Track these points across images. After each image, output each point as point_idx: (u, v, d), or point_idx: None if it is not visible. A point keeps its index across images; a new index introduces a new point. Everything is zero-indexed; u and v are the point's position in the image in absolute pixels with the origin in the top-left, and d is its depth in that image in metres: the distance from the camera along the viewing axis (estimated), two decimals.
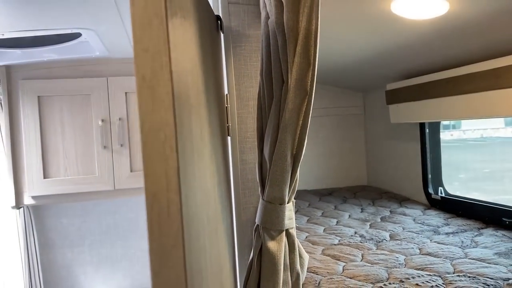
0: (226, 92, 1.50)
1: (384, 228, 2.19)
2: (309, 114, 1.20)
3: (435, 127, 2.68)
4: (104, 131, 2.74)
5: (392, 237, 2.04)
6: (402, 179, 2.96)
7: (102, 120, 2.74)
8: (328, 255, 1.81)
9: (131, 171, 2.80)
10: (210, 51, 1.24)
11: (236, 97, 1.49)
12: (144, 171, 0.65)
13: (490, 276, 1.45)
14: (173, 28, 0.71)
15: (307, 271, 1.54)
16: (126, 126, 2.78)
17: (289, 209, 1.28)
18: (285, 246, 1.28)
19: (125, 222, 3.31)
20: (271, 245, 1.26)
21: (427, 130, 2.66)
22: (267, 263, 1.26)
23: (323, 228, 2.26)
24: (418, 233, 2.06)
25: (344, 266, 1.67)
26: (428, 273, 1.53)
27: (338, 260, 1.75)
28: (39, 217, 3.17)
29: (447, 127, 4.07)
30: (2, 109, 2.77)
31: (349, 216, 2.51)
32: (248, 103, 1.50)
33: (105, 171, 2.76)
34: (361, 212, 2.59)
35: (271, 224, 1.25)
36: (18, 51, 2.49)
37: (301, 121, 1.20)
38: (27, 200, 2.72)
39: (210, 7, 1.39)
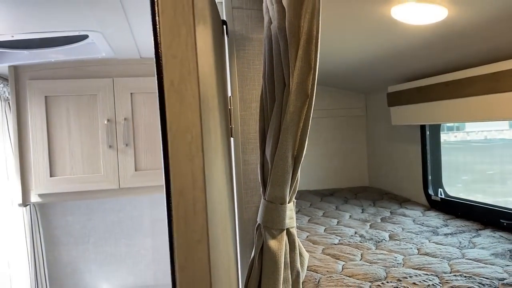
0: (229, 94, 1.54)
1: (384, 229, 2.22)
2: (309, 116, 1.24)
3: (436, 129, 2.71)
4: (109, 131, 2.79)
5: (391, 237, 2.08)
6: (403, 180, 2.99)
7: (108, 120, 2.79)
8: (328, 254, 1.84)
9: (135, 170, 2.85)
10: (218, 55, 1.28)
11: (239, 99, 1.53)
12: (171, 170, 0.69)
13: (485, 276, 1.48)
14: (199, 36, 0.75)
15: (307, 270, 1.58)
16: (131, 126, 2.83)
17: (290, 208, 1.32)
18: (285, 245, 1.32)
19: (129, 221, 3.36)
20: (272, 243, 1.30)
21: (427, 132, 2.69)
22: (268, 261, 1.30)
23: (324, 228, 2.29)
24: (417, 234, 2.10)
25: (343, 265, 1.71)
26: (425, 272, 1.57)
27: (338, 259, 1.78)
28: (45, 214, 3.23)
29: (450, 129, 4.08)
30: (10, 108, 2.82)
31: (350, 216, 2.54)
32: (251, 105, 1.54)
33: (110, 170, 2.81)
34: (362, 212, 2.63)
35: (272, 223, 1.29)
36: (26, 52, 2.54)
37: (302, 123, 1.23)
38: (34, 198, 2.77)
39: (219, 13, 1.43)
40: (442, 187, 2.65)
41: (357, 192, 3.20)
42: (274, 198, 1.27)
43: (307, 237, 2.14)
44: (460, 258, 1.71)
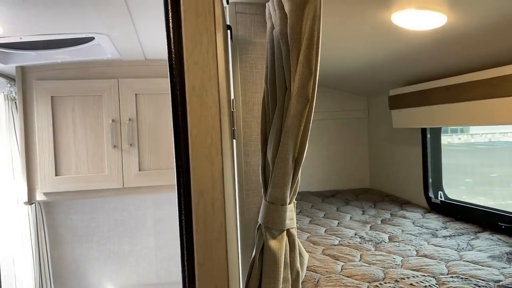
0: (232, 97, 1.58)
1: (384, 230, 2.25)
2: (310, 119, 1.27)
3: (437, 132, 2.73)
4: (114, 131, 2.83)
5: (390, 239, 2.11)
6: (403, 182, 3.02)
7: (113, 120, 2.83)
8: (328, 255, 1.88)
9: (139, 170, 2.89)
10: (226, 59, 1.32)
11: (241, 102, 1.56)
12: (192, 172, 0.73)
13: (482, 278, 1.51)
14: (218, 42, 0.78)
15: (306, 270, 1.61)
16: (135, 126, 2.87)
17: (290, 209, 1.35)
18: (286, 245, 1.35)
19: (133, 220, 3.40)
20: (273, 243, 1.33)
21: (428, 135, 2.72)
22: (268, 260, 1.33)
23: (324, 229, 2.33)
24: (416, 236, 2.13)
25: (342, 265, 1.74)
26: (422, 273, 1.59)
27: (337, 260, 1.82)
28: (50, 213, 3.28)
29: (455, 131, 4.09)
30: (16, 108, 2.87)
31: (351, 218, 2.57)
32: (253, 108, 1.57)
33: (115, 169, 2.85)
34: (362, 214, 2.65)
35: (273, 223, 1.32)
36: (33, 53, 2.59)
37: (302, 126, 1.26)
38: (39, 197, 2.82)
39: (225, 18, 1.47)
40: (442, 189, 2.67)
41: (358, 194, 3.23)
42: (275, 199, 1.30)
43: (307, 237, 2.17)
44: (457, 260, 1.74)
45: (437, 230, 2.22)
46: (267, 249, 1.33)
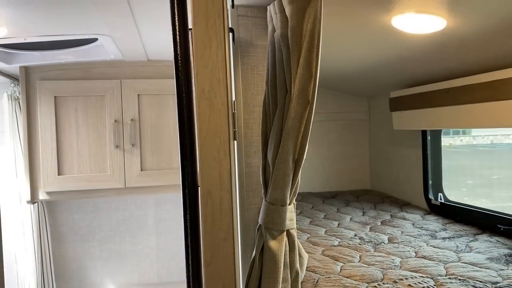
0: (233, 98, 1.59)
1: (383, 232, 2.26)
2: (310, 121, 1.28)
3: (437, 134, 2.74)
4: (116, 131, 2.86)
5: (390, 240, 2.12)
6: (404, 184, 3.03)
7: (115, 121, 2.86)
8: (328, 256, 1.89)
9: (141, 170, 2.91)
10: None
11: (243, 104, 1.58)
12: (199, 172, 0.75)
13: (479, 279, 1.52)
14: (226, 46, 0.80)
15: (306, 270, 1.62)
16: (137, 126, 2.89)
17: (290, 210, 1.37)
18: (285, 246, 1.37)
19: (134, 219, 3.42)
20: (273, 244, 1.34)
21: (429, 137, 2.73)
22: (268, 260, 1.35)
23: (324, 229, 2.34)
24: (416, 237, 2.14)
25: (342, 266, 1.76)
26: (421, 275, 1.61)
27: (337, 260, 1.83)
28: (52, 212, 3.30)
29: (456, 133, 4.09)
30: (20, 108, 2.89)
31: (351, 219, 2.58)
32: (254, 110, 1.58)
33: (117, 169, 2.87)
34: (363, 215, 2.67)
35: (273, 224, 1.34)
36: (37, 53, 2.61)
37: (302, 128, 1.28)
38: (42, 196, 2.84)
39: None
40: (442, 191, 2.68)
41: (358, 195, 3.24)
42: (275, 200, 1.32)
43: (307, 238, 2.19)
44: (456, 262, 1.75)
45: (436, 231, 2.23)
46: (267, 249, 1.35)
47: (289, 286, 1.38)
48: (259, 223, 1.39)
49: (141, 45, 2.42)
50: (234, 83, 1.60)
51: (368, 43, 1.96)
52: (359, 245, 2.03)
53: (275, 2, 1.32)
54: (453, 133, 3.79)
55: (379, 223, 2.46)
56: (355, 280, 1.58)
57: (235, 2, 1.52)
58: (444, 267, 1.69)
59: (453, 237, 2.11)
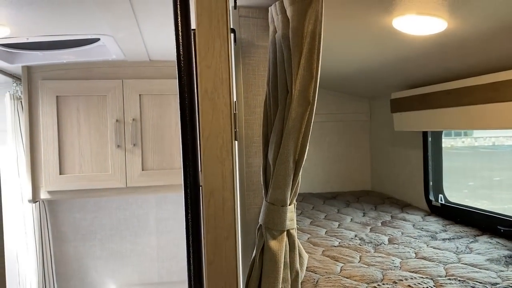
0: (234, 99, 1.60)
1: (384, 232, 2.26)
2: (311, 122, 1.29)
3: (438, 136, 2.75)
4: (118, 131, 2.87)
5: (390, 241, 2.12)
6: (404, 185, 3.03)
7: (117, 120, 2.87)
8: (328, 256, 1.89)
9: (142, 169, 2.92)
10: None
11: (244, 104, 1.59)
12: (203, 171, 0.75)
13: (479, 281, 1.53)
14: (229, 47, 0.81)
15: (306, 270, 1.63)
16: (139, 126, 2.90)
17: (291, 210, 1.37)
18: (286, 246, 1.38)
19: (135, 219, 3.43)
20: (273, 244, 1.35)
21: (429, 139, 2.73)
22: (268, 260, 1.35)
23: (325, 230, 2.34)
24: (416, 238, 2.14)
25: (342, 266, 1.76)
26: (421, 275, 1.61)
27: (337, 261, 1.84)
28: (53, 211, 3.31)
29: (458, 134, 4.09)
30: (22, 107, 2.90)
31: (351, 219, 2.59)
32: (255, 110, 1.59)
33: (118, 169, 2.88)
34: (363, 216, 2.67)
35: (273, 224, 1.34)
36: (39, 53, 2.63)
37: (303, 129, 1.29)
38: (43, 195, 2.85)
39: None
40: (442, 192, 2.69)
41: (359, 196, 3.24)
42: (276, 200, 1.32)
43: (308, 238, 2.19)
44: (456, 263, 1.76)
45: (436, 232, 2.23)
46: (267, 249, 1.35)
47: (289, 286, 1.39)
48: (259, 223, 1.40)
49: (143, 46, 2.43)
50: (235, 83, 1.60)
51: (369, 45, 1.96)
52: (359, 246, 2.04)
53: (277, 3, 1.32)
54: (454, 135, 3.79)
55: (380, 224, 2.46)
56: (355, 281, 1.58)
57: (237, 3, 1.53)
58: (444, 268, 1.70)
59: (453, 238, 2.11)
